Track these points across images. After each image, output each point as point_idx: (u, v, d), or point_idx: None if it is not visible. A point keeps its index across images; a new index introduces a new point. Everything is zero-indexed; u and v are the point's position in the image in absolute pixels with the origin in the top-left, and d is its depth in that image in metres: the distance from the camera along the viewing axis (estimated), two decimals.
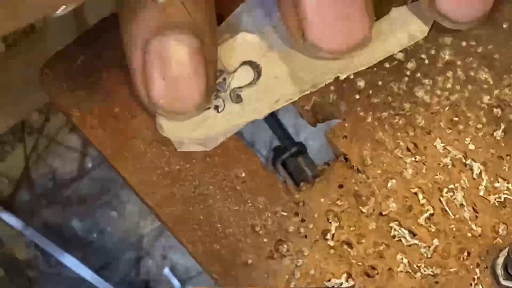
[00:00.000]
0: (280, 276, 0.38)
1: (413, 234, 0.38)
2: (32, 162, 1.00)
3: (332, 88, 0.40)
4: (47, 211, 0.99)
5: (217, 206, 0.39)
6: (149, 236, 0.99)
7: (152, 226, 0.99)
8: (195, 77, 0.38)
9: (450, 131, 0.39)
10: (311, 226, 0.38)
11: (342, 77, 0.40)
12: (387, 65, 0.40)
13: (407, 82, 0.40)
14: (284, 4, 0.39)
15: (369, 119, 0.39)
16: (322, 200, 0.38)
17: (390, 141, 0.39)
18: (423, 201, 0.38)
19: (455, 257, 0.37)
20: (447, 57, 0.40)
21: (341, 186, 0.39)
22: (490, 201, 0.38)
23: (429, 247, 0.37)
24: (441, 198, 0.38)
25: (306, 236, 0.38)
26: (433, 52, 0.40)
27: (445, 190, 0.38)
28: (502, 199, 0.38)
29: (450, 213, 0.38)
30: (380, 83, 0.40)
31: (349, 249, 0.38)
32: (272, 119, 0.61)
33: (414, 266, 0.37)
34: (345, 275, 0.37)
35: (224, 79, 0.40)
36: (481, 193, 0.38)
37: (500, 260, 0.36)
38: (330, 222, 0.38)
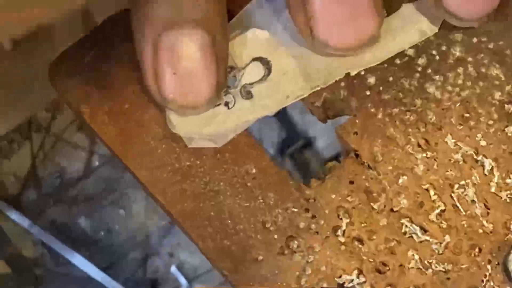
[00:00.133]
0: (290, 273, 0.38)
1: (424, 230, 0.37)
2: (39, 160, 1.00)
3: (342, 84, 0.40)
4: (54, 209, 0.99)
5: (227, 203, 0.39)
6: (156, 234, 0.99)
7: (159, 225, 0.99)
8: (206, 72, 0.38)
9: (461, 127, 0.39)
10: (322, 222, 0.38)
11: (353, 73, 0.40)
12: (398, 61, 0.40)
13: (418, 78, 0.40)
14: (292, 2, 0.39)
15: (380, 115, 0.39)
16: (333, 196, 0.38)
17: (401, 137, 0.39)
18: (434, 197, 0.38)
19: (467, 254, 0.37)
20: (458, 53, 0.40)
21: (351, 183, 0.39)
22: (501, 198, 0.38)
23: (441, 243, 0.37)
24: (453, 194, 0.38)
25: (317, 233, 0.38)
26: (444, 48, 0.40)
27: (456, 186, 0.38)
28: None
29: (462, 209, 0.38)
30: (391, 79, 0.40)
31: (360, 246, 0.38)
32: (281, 113, 0.61)
33: (426, 262, 0.37)
34: (356, 272, 0.37)
35: (235, 75, 0.40)
36: (493, 189, 0.38)
37: None
38: (341, 219, 0.38)
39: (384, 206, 0.38)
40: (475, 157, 0.38)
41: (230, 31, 0.40)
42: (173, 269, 0.98)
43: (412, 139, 0.39)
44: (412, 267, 0.37)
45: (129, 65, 0.40)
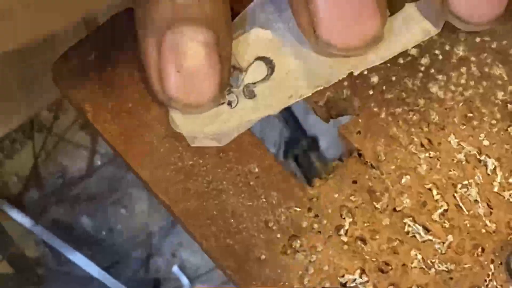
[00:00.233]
0: (293, 272, 0.38)
1: (427, 230, 0.37)
2: (41, 160, 1.00)
3: (345, 83, 0.40)
4: (56, 209, 1.00)
5: (230, 202, 0.39)
6: (158, 234, 0.99)
7: (161, 224, 0.99)
8: (210, 71, 0.38)
9: (464, 127, 0.39)
10: (324, 221, 0.38)
11: (356, 72, 0.40)
12: (401, 60, 0.40)
13: (421, 78, 0.40)
14: (296, 1, 0.39)
15: (383, 115, 0.39)
16: (336, 195, 0.38)
17: (404, 136, 0.39)
18: (437, 197, 0.38)
19: (470, 253, 0.37)
20: (461, 53, 0.40)
21: (354, 182, 0.39)
22: (504, 197, 0.38)
23: (443, 243, 0.37)
24: (455, 194, 0.38)
25: (319, 232, 0.38)
26: (447, 47, 0.40)
27: (459, 186, 0.38)
28: None
29: (464, 209, 0.38)
30: (394, 78, 0.40)
31: (363, 245, 0.38)
32: (284, 112, 0.61)
33: (428, 262, 0.37)
34: (358, 271, 0.37)
35: (238, 74, 0.40)
36: (496, 189, 0.38)
37: None
38: (344, 218, 0.38)
39: (387, 206, 0.38)
40: (478, 156, 0.38)
41: (233, 31, 0.40)
42: (175, 268, 0.98)
43: (415, 139, 0.39)
44: (415, 267, 0.37)
45: (133, 64, 0.40)
